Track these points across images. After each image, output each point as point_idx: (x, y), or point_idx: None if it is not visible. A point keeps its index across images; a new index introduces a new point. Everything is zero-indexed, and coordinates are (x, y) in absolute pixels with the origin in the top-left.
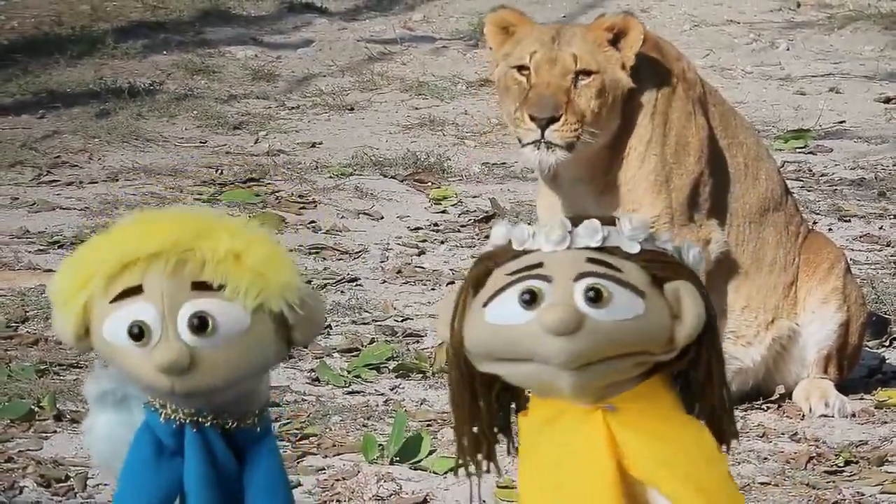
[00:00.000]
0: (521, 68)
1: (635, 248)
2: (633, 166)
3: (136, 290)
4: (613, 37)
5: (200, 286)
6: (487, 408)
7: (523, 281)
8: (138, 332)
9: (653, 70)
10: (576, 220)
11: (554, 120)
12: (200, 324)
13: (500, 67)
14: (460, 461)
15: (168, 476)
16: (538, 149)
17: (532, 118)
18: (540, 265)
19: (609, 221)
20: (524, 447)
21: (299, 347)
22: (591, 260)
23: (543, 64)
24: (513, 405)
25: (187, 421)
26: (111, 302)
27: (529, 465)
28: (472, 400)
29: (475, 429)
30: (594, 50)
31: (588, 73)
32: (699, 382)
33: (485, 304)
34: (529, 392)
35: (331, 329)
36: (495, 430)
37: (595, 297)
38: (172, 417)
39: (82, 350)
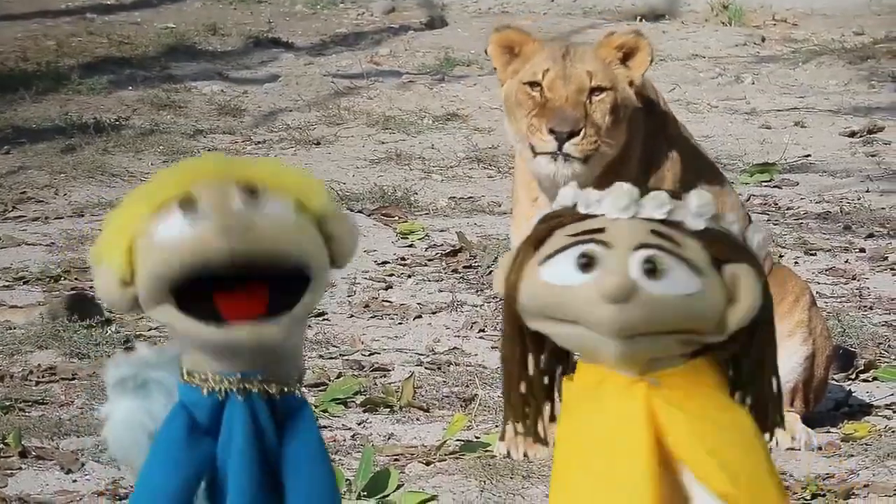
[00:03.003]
0: (532, 84)
1: (700, 225)
2: None
3: (187, 200)
4: (623, 55)
5: (247, 190)
6: (536, 367)
7: (582, 244)
8: (188, 205)
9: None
10: (643, 191)
11: (574, 134)
12: (251, 192)
13: (510, 84)
14: (506, 421)
15: (199, 455)
16: (555, 161)
17: (552, 131)
18: (602, 230)
19: (675, 196)
20: (564, 411)
21: (339, 267)
22: (653, 232)
23: (557, 80)
24: (560, 369)
25: (234, 389)
26: (163, 213)
27: (566, 429)
28: (522, 357)
29: (523, 388)
30: (605, 67)
31: (602, 89)
32: (749, 369)
33: (541, 263)
34: (578, 357)
35: None
36: (542, 391)
37: (651, 269)
38: (216, 389)
39: (125, 304)
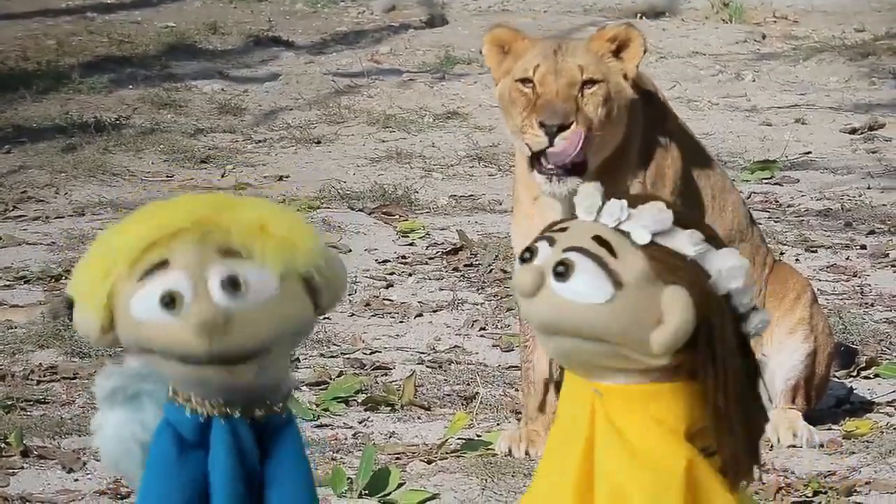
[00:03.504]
0: (525, 81)
1: (644, 239)
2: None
3: (162, 265)
4: (616, 48)
5: (228, 253)
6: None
7: (540, 241)
8: (170, 300)
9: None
10: (616, 197)
11: (564, 127)
12: (232, 284)
13: (503, 83)
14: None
15: (192, 472)
16: (550, 181)
17: (542, 125)
18: (564, 230)
19: (635, 206)
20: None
21: (325, 314)
22: (596, 237)
23: (548, 75)
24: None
25: (216, 413)
26: (138, 281)
27: (554, 423)
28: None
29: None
30: (597, 60)
31: (594, 82)
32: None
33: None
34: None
35: (299, 362)
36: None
37: (561, 271)
38: (199, 410)
39: (106, 346)
